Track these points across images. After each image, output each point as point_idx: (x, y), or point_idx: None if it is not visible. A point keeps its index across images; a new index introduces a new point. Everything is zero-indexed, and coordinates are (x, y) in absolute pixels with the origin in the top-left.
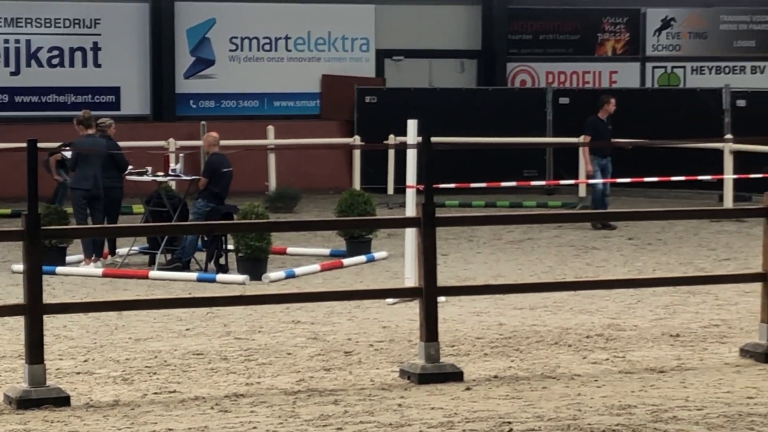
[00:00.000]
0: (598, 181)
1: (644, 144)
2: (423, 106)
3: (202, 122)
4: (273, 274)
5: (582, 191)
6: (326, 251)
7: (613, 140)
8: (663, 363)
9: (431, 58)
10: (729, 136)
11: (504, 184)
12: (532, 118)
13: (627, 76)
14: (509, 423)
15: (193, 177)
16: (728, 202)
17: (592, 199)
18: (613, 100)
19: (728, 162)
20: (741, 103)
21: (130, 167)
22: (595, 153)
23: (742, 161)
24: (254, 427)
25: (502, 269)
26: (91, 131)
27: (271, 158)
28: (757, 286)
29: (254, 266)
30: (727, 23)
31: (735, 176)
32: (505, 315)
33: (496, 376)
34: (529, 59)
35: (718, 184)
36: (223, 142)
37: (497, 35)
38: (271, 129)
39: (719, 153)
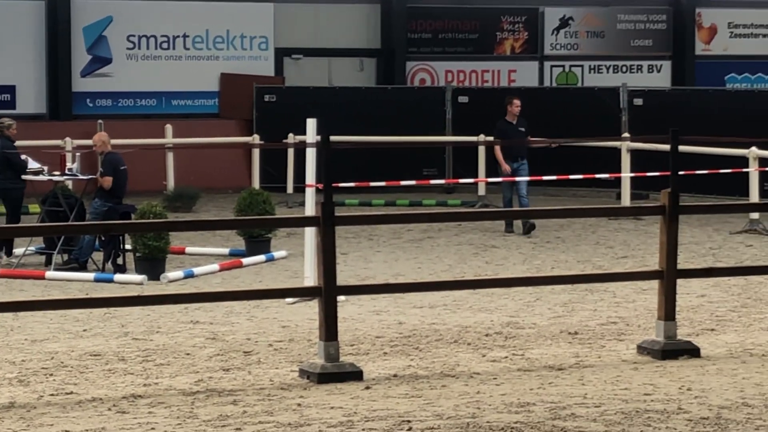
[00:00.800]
0: (503, 180)
1: (543, 143)
2: (322, 105)
3: (99, 121)
4: (171, 274)
5: (481, 190)
6: (225, 251)
7: (517, 140)
8: (561, 360)
9: (331, 57)
10: (626, 134)
11: (404, 182)
12: (431, 116)
13: (526, 74)
14: (408, 422)
15: (90, 176)
16: (626, 200)
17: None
18: (515, 101)
19: (625, 160)
20: (638, 101)
21: (37, 166)
22: (506, 157)
23: (639, 159)
24: (152, 428)
25: (401, 268)
26: None
27: (170, 157)
28: (654, 284)
29: (152, 266)
30: (624, 22)
31: (632, 174)
32: (405, 314)
33: (395, 375)
34: (429, 58)
35: (616, 183)
36: (120, 141)
37: (396, 34)
38: (169, 128)
39: (617, 151)
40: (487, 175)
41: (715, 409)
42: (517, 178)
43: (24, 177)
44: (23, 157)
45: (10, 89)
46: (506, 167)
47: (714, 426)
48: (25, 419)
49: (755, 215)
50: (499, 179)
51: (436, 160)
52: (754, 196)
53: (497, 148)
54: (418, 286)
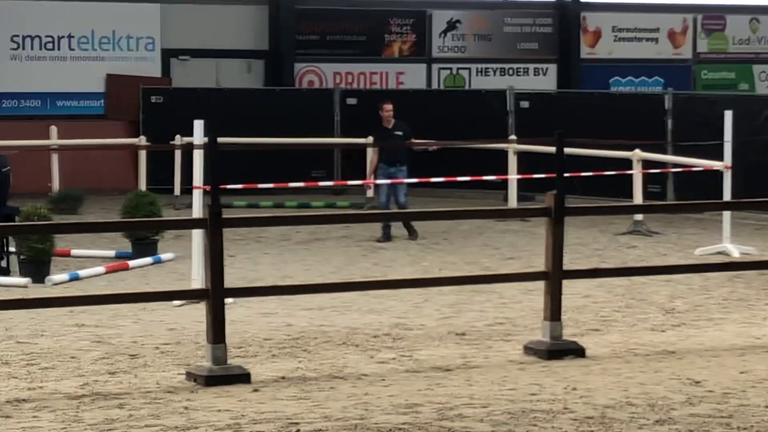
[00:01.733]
0: (369, 183)
1: (431, 145)
2: (210, 107)
3: None
4: (56, 277)
5: (370, 192)
6: (112, 253)
7: (394, 142)
8: (449, 361)
9: (218, 58)
10: (513, 137)
11: (292, 184)
12: (320, 118)
13: (414, 77)
14: (297, 424)
15: None
16: (512, 202)
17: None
18: (385, 106)
19: (512, 162)
20: (524, 104)
21: None
22: (383, 162)
23: (526, 162)
24: None
25: (290, 270)
26: None
27: (54, 159)
28: (541, 285)
29: (37, 268)
30: (511, 26)
31: (519, 176)
32: (293, 316)
33: (283, 377)
34: (317, 60)
35: (503, 184)
36: (3, 142)
37: (284, 35)
38: (54, 129)
39: (504, 153)
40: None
41: (600, 408)
42: (384, 181)
43: None
44: None
45: None
46: (371, 178)
47: (599, 425)
48: None
49: (639, 217)
50: (381, 181)
51: (325, 162)
52: (638, 198)
53: (372, 156)
54: (307, 288)
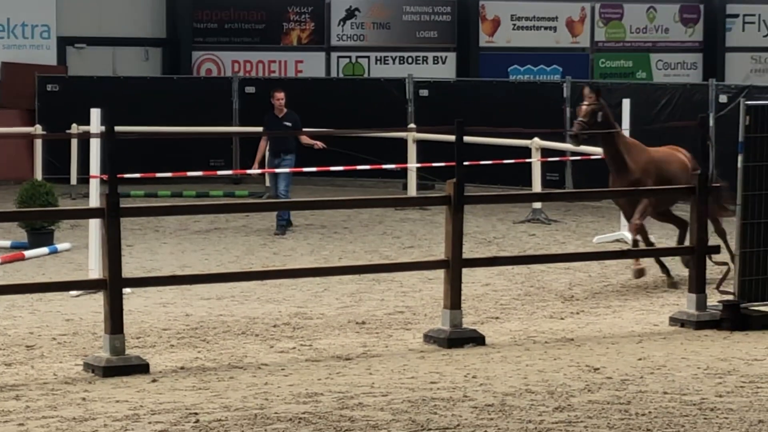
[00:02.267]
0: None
1: (330, 133)
2: (107, 95)
3: None
4: None
5: (268, 180)
6: (7, 243)
7: (292, 131)
8: (349, 350)
9: (115, 46)
10: (412, 125)
11: (190, 173)
12: (218, 107)
13: (313, 65)
14: (196, 414)
15: None
16: (412, 191)
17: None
18: (276, 94)
19: (412, 151)
20: (424, 92)
21: None
22: (270, 151)
23: (426, 150)
24: None
25: (188, 259)
26: None
27: None
28: (440, 273)
29: None
30: (410, 14)
31: (418, 165)
32: (192, 306)
33: (182, 368)
34: (215, 48)
35: (403, 173)
36: None
37: (182, 23)
38: None
39: (403, 142)
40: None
41: (500, 396)
42: (273, 170)
43: None
44: None
45: None
46: (255, 166)
47: (498, 413)
48: None
49: (538, 205)
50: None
51: (223, 150)
52: (537, 186)
53: (261, 143)
54: (205, 278)
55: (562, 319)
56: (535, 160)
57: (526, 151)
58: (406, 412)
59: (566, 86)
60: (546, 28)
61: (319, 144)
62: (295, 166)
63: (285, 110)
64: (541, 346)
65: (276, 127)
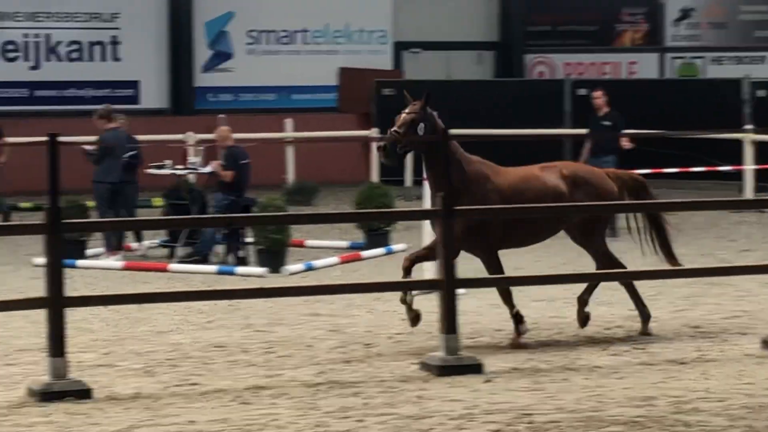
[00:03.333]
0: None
1: (660, 135)
2: (439, 99)
3: (221, 115)
4: (292, 267)
5: None
6: (345, 243)
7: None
8: (684, 354)
9: (449, 50)
10: (749, 126)
11: None
12: (549, 109)
13: (646, 66)
14: (530, 415)
15: (211, 170)
16: (748, 193)
17: None
18: (595, 93)
19: (748, 152)
20: (761, 93)
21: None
22: (591, 152)
23: (765, 152)
24: (275, 419)
25: (520, 261)
26: (113, 125)
27: (289, 151)
28: None
29: (273, 259)
30: (747, 13)
31: (755, 167)
32: (525, 307)
33: (515, 368)
34: (547, 50)
35: (739, 175)
36: (241, 136)
37: (515, 27)
38: (288, 122)
39: (739, 144)
40: None
41: None
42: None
43: (147, 171)
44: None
45: (134, 84)
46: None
47: None
48: (151, 409)
49: None
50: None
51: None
52: None
53: (585, 144)
54: (534, 280)
55: None
56: None
57: None
58: (744, 419)
59: None
60: None
61: (627, 144)
62: (622, 167)
63: (606, 109)
64: None
65: (594, 127)
